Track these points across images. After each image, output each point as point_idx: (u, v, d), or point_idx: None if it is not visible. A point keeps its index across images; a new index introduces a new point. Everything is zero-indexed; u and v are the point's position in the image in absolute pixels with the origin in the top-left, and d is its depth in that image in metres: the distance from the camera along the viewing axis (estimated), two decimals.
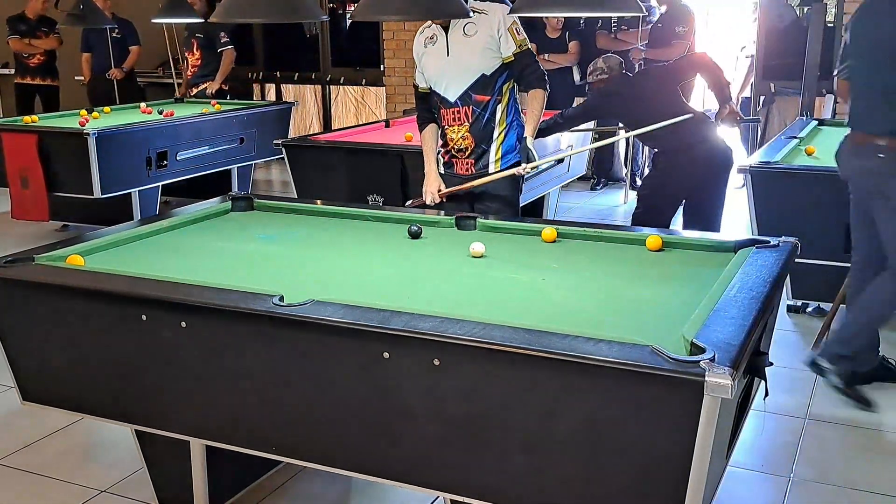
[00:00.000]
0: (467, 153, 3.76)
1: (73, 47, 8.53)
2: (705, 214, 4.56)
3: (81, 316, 2.51)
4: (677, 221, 4.83)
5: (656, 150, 4.70)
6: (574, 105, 7.25)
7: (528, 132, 3.72)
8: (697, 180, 4.48)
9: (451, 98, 3.70)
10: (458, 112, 3.71)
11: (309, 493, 2.98)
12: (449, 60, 3.68)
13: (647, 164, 7.59)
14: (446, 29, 3.68)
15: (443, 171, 3.85)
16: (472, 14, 3.53)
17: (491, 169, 3.75)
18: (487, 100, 3.68)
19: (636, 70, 7.13)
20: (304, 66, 9.34)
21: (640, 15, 4.04)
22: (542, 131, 4.91)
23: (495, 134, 3.73)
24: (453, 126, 3.74)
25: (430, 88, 3.79)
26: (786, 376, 3.79)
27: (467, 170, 3.79)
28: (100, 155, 5.51)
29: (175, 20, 7.08)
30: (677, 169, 4.49)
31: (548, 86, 3.76)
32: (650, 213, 4.54)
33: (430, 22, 3.72)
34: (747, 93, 7.98)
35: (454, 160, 3.81)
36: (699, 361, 1.79)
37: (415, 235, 3.03)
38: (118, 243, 2.96)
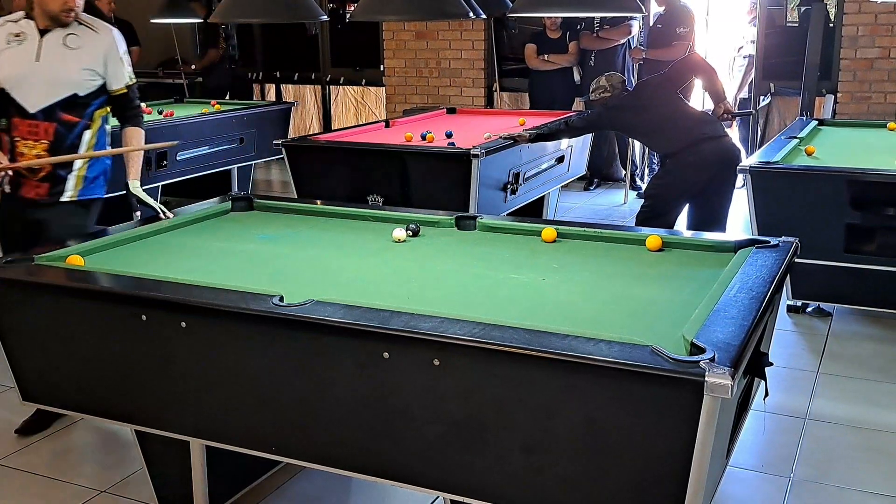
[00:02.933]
0: (40, 175, 3.31)
1: None
2: (713, 213, 4.58)
3: (81, 316, 2.51)
4: (681, 221, 4.84)
5: (664, 153, 4.73)
6: (574, 107, 7.32)
7: (132, 176, 3.40)
8: (706, 179, 4.50)
9: (31, 109, 3.26)
10: (38, 127, 3.27)
11: (309, 493, 2.98)
12: (38, 67, 3.25)
13: (646, 164, 7.60)
14: (43, 31, 3.27)
15: (7, 190, 3.34)
16: (80, 26, 3.31)
17: (66, 199, 3.35)
18: (76, 121, 3.32)
19: (635, 71, 7.17)
20: (304, 66, 9.34)
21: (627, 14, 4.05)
22: (547, 136, 4.95)
23: (78, 162, 3.36)
24: (28, 140, 3.28)
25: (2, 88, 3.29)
26: (786, 376, 3.79)
27: (37, 194, 3.33)
28: None
29: (175, 20, 7.08)
30: (686, 168, 4.51)
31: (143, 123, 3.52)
32: (657, 211, 4.56)
33: (19, 16, 3.31)
34: (744, 93, 7.99)
35: (23, 180, 3.32)
36: (699, 361, 1.80)
37: (414, 234, 3.04)
38: (118, 243, 2.96)
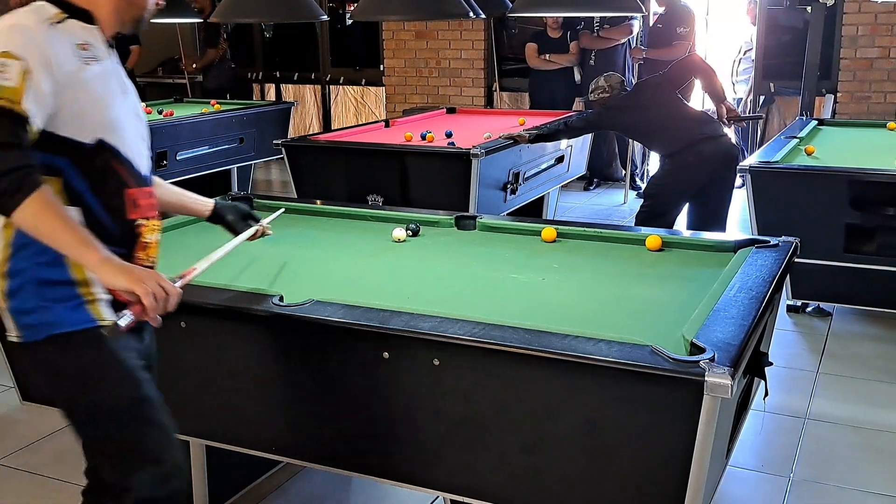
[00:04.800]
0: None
1: None
2: (713, 212, 4.59)
3: None
4: (680, 221, 4.84)
5: (663, 153, 4.73)
6: (574, 107, 7.33)
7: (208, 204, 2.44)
8: (705, 178, 4.51)
9: (145, 169, 1.99)
10: (152, 194, 2.04)
11: (309, 493, 2.98)
12: (127, 103, 1.97)
13: (646, 164, 7.60)
14: (113, 44, 1.99)
15: (109, 319, 1.84)
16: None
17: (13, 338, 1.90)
18: None
19: (635, 71, 7.17)
20: (304, 66, 9.34)
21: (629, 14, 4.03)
22: (546, 136, 4.95)
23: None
24: (150, 220, 2.00)
25: (95, 141, 1.84)
26: (786, 376, 3.79)
27: None
28: None
29: (175, 20, 7.08)
30: (686, 168, 4.52)
31: None
32: (656, 211, 4.57)
33: (57, 13, 1.83)
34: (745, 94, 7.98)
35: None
36: (699, 361, 1.80)
37: (414, 234, 3.04)
38: None
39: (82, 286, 1.85)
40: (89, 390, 1.90)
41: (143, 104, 7.34)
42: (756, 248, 2.69)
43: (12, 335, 1.88)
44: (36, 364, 1.93)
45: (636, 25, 7.35)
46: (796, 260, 2.71)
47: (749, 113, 7.46)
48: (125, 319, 1.73)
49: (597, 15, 6.78)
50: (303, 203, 3.59)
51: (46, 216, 1.72)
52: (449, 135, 5.20)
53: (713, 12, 9.00)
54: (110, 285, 1.78)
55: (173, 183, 2.40)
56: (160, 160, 5.98)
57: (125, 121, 1.93)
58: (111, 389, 1.90)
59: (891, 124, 5.53)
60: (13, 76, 1.70)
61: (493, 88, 8.28)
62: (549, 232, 2.99)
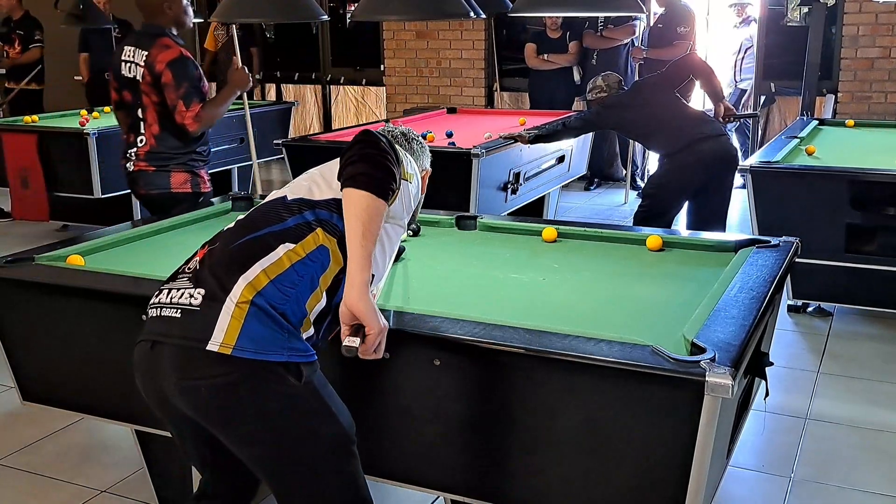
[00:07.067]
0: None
1: (71, 47, 8.52)
2: (713, 212, 4.58)
3: (81, 316, 2.51)
4: (680, 221, 4.84)
5: (662, 153, 4.73)
6: (574, 107, 7.32)
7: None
8: (704, 178, 4.51)
9: None
10: None
11: None
12: None
13: (647, 163, 7.60)
14: None
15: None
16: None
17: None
18: None
19: (637, 70, 7.17)
20: (304, 66, 9.34)
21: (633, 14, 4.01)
22: (546, 137, 4.95)
23: None
24: None
25: None
26: (786, 376, 3.78)
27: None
28: (100, 155, 5.51)
29: None
30: (684, 168, 4.52)
31: None
32: (654, 211, 4.57)
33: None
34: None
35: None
36: (700, 361, 1.79)
37: (414, 234, 3.04)
38: (118, 243, 2.96)
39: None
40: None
41: None
42: (757, 248, 2.68)
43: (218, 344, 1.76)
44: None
45: (639, 26, 7.34)
46: (797, 260, 2.71)
47: (749, 111, 7.46)
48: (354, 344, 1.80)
49: (599, 15, 6.78)
50: None
51: (379, 222, 1.83)
52: (449, 135, 5.20)
53: (713, 12, 9.00)
54: (357, 310, 1.80)
55: None
56: None
57: None
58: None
59: (849, 122, 5.60)
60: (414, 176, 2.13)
61: (494, 88, 8.28)
62: (549, 232, 2.99)
